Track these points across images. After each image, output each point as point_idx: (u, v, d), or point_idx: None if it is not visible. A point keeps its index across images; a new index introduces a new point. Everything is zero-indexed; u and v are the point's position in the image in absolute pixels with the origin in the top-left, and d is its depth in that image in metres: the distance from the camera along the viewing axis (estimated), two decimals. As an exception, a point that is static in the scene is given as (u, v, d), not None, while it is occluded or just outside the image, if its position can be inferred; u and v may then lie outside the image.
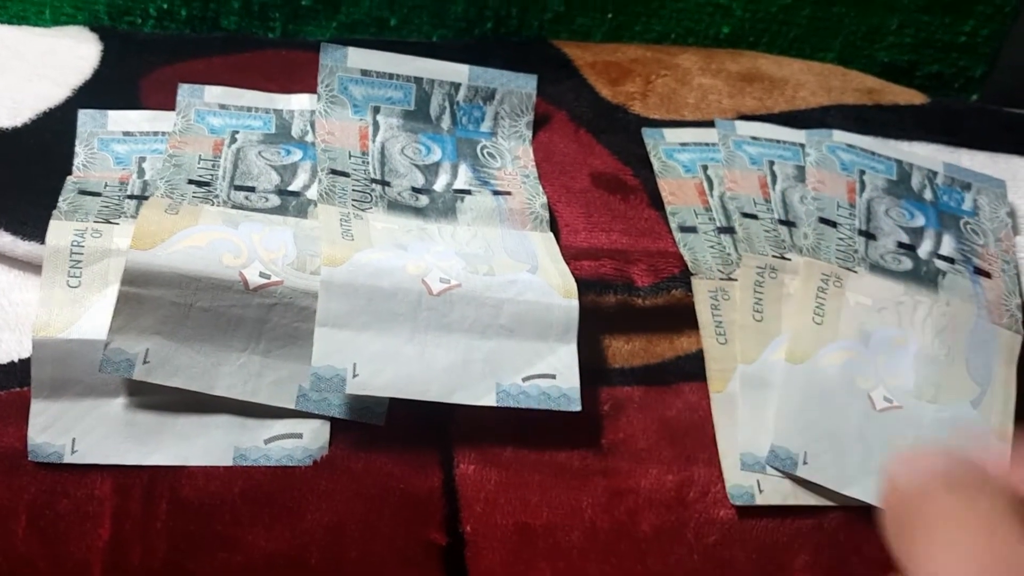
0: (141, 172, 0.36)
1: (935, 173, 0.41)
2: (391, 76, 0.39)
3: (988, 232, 0.39)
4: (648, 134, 0.41)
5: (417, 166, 0.37)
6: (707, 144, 0.41)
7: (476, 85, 0.39)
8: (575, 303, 0.32)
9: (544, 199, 0.37)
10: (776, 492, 0.33)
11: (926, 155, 0.42)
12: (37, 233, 0.32)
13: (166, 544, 0.28)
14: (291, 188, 0.35)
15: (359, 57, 0.39)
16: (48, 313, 0.30)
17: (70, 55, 0.42)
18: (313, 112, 0.38)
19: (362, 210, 0.35)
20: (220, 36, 0.47)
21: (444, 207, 0.36)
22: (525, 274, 0.33)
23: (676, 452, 0.34)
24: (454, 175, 0.37)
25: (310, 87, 0.39)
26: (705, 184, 0.39)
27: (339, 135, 0.37)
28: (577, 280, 0.34)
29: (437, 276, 0.32)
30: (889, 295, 0.36)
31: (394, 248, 0.33)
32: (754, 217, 0.37)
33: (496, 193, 0.37)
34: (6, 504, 0.27)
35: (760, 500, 0.32)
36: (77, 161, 0.36)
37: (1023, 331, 0.37)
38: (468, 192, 0.37)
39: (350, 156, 0.37)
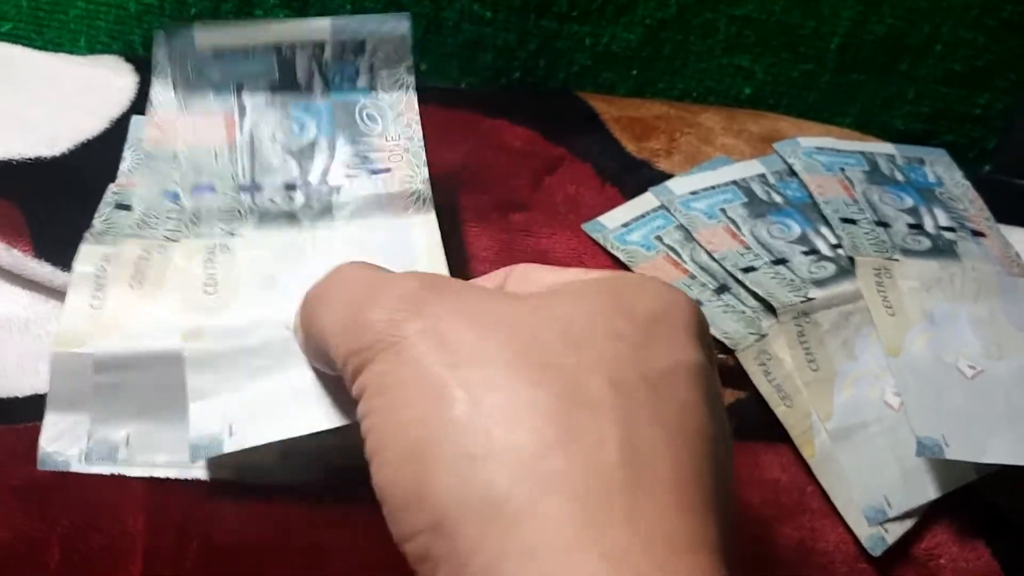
0: None
1: (893, 156, 0.44)
2: (247, 50, 0.36)
3: (960, 197, 0.43)
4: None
5: (291, 153, 0.35)
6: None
7: (342, 40, 0.36)
8: None
9: (425, 173, 0.35)
10: (899, 526, 0.33)
11: (875, 142, 0.46)
12: (76, 264, 0.33)
13: (197, 584, 0.28)
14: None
15: (207, 35, 0.35)
16: (68, 328, 0.30)
17: (107, 86, 0.43)
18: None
19: (231, 232, 0.33)
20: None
21: (320, 206, 0.34)
22: None
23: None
24: (331, 155, 0.35)
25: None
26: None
27: (203, 130, 0.35)
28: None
29: None
30: (930, 274, 0.38)
31: (261, 290, 0.32)
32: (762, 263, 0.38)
33: (375, 172, 0.35)
34: (40, 536, 0.27)
35: (890, 540, 0.33)
36: (123, 166, 0.36)
37: None
38: (346, 180, 0.35)
39: (216, 158, 0.35)
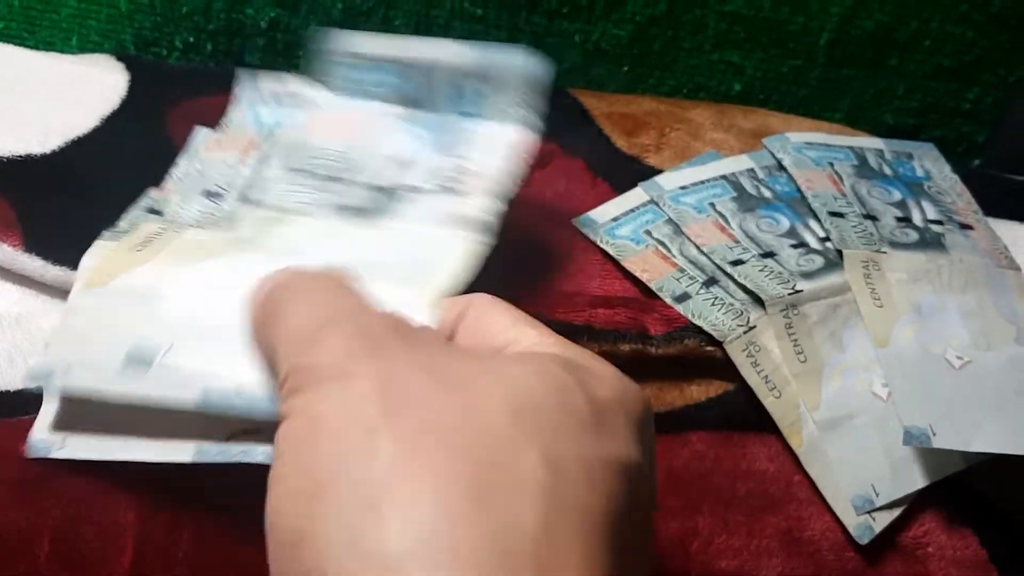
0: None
1: (881, 151, 0.45)
2: (382, 60, 0.36)
3: (947, 191, 0.43)
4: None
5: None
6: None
7: (471, 66, 0.36)
8: (432, 317, 0.28)
9: (499, 207, 0.34)
10: (886, 515, 0.34)
11: (863, 137, 0.46)
12: (67, 258, 0.33)
13: (188, 574, 0.28)
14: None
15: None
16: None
17: (98, 84, 0.43)
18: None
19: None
20: (246, 72, 0.48)
21: (382, 205, 0.34)
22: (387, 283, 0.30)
23: (681, 502, 0.34)
24: (421, 173, 0.35)
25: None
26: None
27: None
28: (592, 329, 0.35)
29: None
30: (918, 266, 0.39)
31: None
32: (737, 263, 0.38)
33: (448, 191, 0.34)
34: (30, 528, 0.27)
35: (877, 528, 0.33)
36: (176, 171, 0.36)
37: (1020, 268, 0.40)
38: (418, 190, 0.34)
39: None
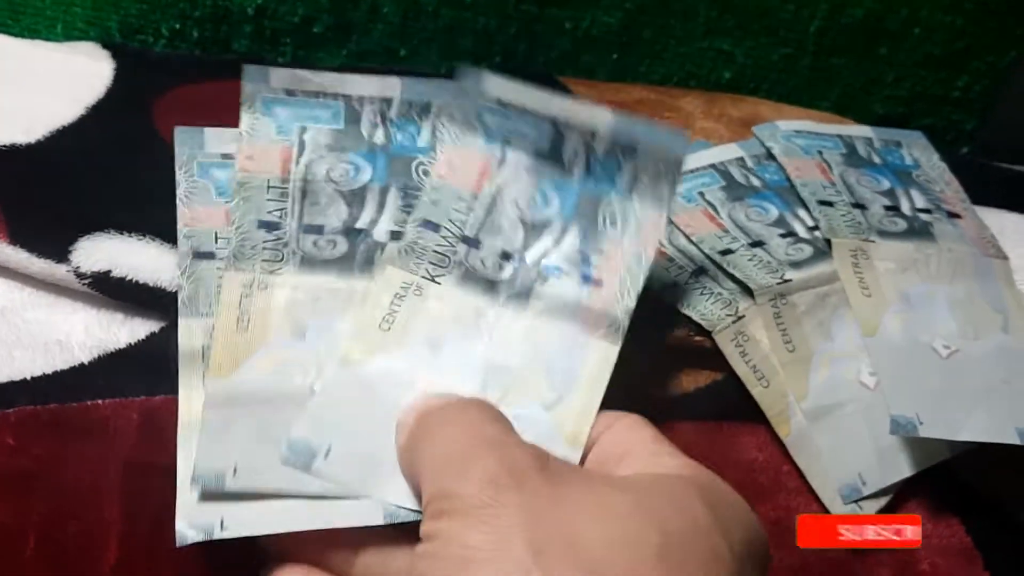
0: None
1: (870, 139, 0.45)
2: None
3: (936, 179, 0.43)
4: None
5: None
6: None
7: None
8: (578, 453, 0.29)
9: (631, 305, 0.32)
10: (873, 504, 0.34)
11: (852, 125, 0.46)
12: (52, 251, 0.33)
13: (172, 571, 0.28)
14: (358, 225, 0.33)
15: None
16: (188, 398, 0.29)
17: (83, 72, 0.42)
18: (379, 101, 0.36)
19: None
20: (232, 59, 0.48)
21: (520, 290, 0.32)
22: (537, 408, 0.30)
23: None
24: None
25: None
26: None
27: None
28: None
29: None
30: (906, 256, 0.39)
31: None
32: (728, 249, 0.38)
33: (587, 280, 0.32)
34: (15, 525, 0.27)
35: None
36: (179, 191, 0.33)
37: (1008, 257, 0.41)
38: (558, 271, 0.33)
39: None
